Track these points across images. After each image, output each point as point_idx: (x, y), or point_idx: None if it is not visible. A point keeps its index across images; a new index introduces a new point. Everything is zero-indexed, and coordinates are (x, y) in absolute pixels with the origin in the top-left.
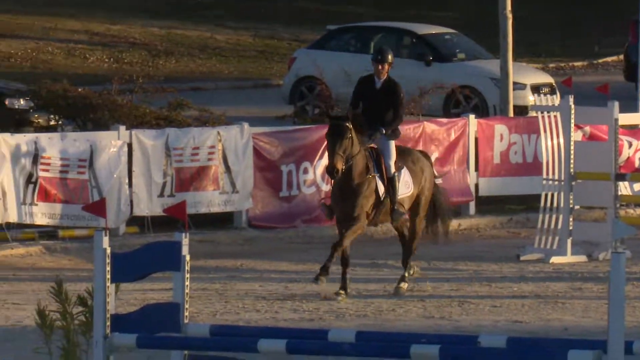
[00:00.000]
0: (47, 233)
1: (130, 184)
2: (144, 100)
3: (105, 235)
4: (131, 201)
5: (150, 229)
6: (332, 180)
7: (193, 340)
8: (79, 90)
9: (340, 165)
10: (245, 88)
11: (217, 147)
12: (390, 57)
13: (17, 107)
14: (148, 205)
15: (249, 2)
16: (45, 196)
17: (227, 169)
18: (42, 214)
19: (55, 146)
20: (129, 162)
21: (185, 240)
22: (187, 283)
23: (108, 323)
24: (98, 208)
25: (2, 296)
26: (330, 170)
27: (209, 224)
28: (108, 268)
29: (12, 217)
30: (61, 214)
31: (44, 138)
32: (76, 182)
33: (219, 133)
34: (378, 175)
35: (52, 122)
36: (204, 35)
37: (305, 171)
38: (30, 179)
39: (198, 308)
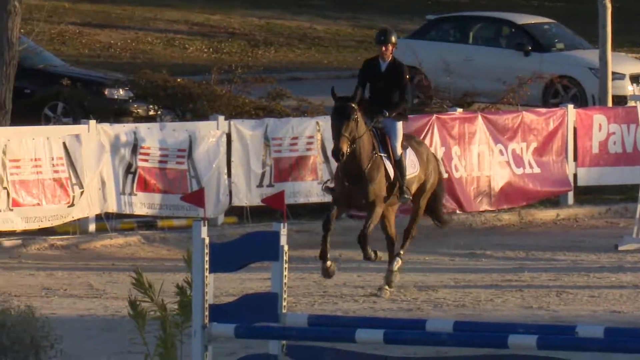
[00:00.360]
0: (146, 223)
1: (229, 174)
2: (243, 90)
3: (204, 225)
4: (230, 191)
5: (249, 219)
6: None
7: (291, 330)
8: (178, 80)
9: (345, 148)
10: (344, 78)
11: (316, 137)
12: (393, 38)
13: (116, 97)
14: (247, 196)
15: None
16: (145, 186)
17: (326, 159)
18: (141, 204)
19: (154, 136)
20: (227, 152)
21: (283, 231)
22: (285, 273)
23: (206, 313)
24: (197, 198)
25: (101, 286)
26: (336, 152)
27: (307, 214)
28: (207, 258)
29: (112, 208)
30: (160, 204)
31: (143, 128)
32: (175, 172)
33: (317, 123)
34: (385, 155)
35: (152, 112)
36: (304, 26)
37: None
38: (129, 169)
39: (296, 298)
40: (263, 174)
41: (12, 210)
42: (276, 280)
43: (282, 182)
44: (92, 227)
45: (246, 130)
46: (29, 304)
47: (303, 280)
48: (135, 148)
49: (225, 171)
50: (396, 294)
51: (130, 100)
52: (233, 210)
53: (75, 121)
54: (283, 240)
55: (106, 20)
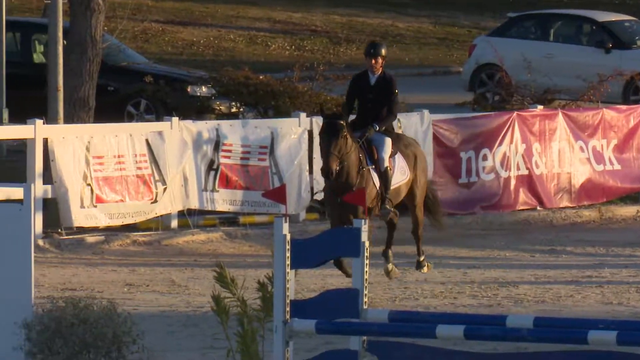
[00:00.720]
0: (228, 219)
1: (310, 171)
2: (325, 87)
3: (285, 221)
4: (311, 188)
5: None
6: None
7: (372, 326)
8: (260, 77)
9: (334, 166)
10: (425, 75)
11: None
12: (383, 51)
13: (199, 94)
14: None
15: None
16: (226, 183)
17: None
18: (223, 201)
19: (236, 133)
20: (309, 149)
21: (364, 227)
22: (366, 269)
23: (288, 309)
24: (278, 195)
25: (183, 282)
26: (326, 171)
27: None
28: (288, 254)
29: (194, 204)
30: (242, 201)
31: (225, 125)
32: (257, 169)
33: (399, 120)
34: (372, 167)
35: (234, 109)
36: (385, 23)
37: (485, 158)
38: (211, 166)
39: (377, 294)
40: None
41: (95, 206)
42: (357, 276)
43: None
44: (174, 223)
45: None
46: (112, 300)
47: (384, 276)
48: (217, 145)
49: (307, 168)
50: (477, 289)
51: (213, 98)
52: (314, 207)
53: (158, 118)
54: (364, 237)
55: (189, 18)
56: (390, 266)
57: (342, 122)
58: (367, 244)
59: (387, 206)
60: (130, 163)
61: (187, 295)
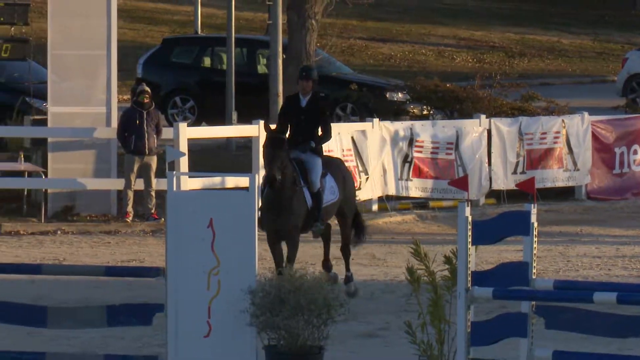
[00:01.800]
0: (420, 204)
1: (489, 163)
2: (501, 93)
3: (468, 205)
4: (490, 177)
5: (505, 201)
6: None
7: (539, 293)
8: (447, 85)
9: (278, 175)
10: (585, 83)
11: (562, 132)
12: (314, 74)
13: (395, 99)
14: (504, 181)
15: (591, 12)
16: (419, 173)
17: (570, 150)
18: (415, 188)
19: (427, 132)
20: (488, 145)
21: (533, 210)
22: (535, 245)
23: (469, 278)
24: (462, 183)
25: (382, 256)
26: (270, 179)
27: (554, 196)
28: (469, 233)
29: (391, 191)
30: (431, 188)
31: (418, 125)
32: (444, 162)
33: (563, 121)
34: (305, 187)
35: (425, 112)
36: (552, 40)
37: (635, 152)
38: (406, 159)
39: (544, 266)
40: (517, 163)
41: None
42: (527, 252)
43: (533, 170)
44: (375, 207)
45: (503, 126)
46: (322, 271)
47: (550, 251)
48: (411, 142)
49: (486, 160)
50: (627, 262)
51: (407, 102)
52: (492, 193)
53: (362, 119)
54: (533, 218)
55: (388, 36)
56: (333, 274)
57: (284, 136)
58: (535, 224)
59: (319, 224)
60: (338, 157)
61: (385, 267)
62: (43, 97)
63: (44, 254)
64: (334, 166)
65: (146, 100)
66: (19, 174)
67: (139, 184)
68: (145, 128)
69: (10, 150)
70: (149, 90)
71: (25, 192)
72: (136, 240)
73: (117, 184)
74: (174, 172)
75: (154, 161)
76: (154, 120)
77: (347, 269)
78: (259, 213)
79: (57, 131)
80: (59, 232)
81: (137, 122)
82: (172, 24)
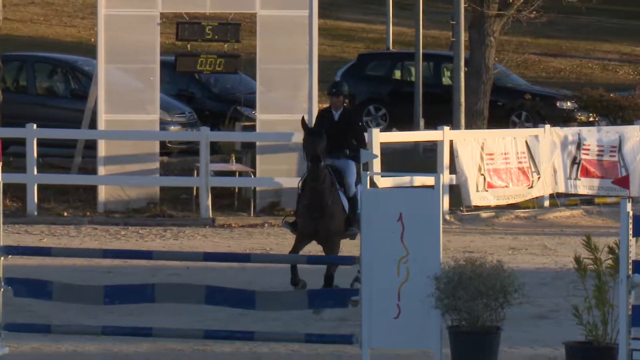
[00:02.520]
0: (586, 200)
1: None
2: None
3: (629, 202)
4: None
5: None
6: (301, 194)
7: None
8: (611, 95)
9: (321, 153)
10: None
11: None
12: (344, 89)
13: (565, 108)
14: None
15: None
16: (586, 173)
17: None
18: (583, 186)
19: (593, 136)
20: None
21: None
22: None
23: (630, 267)
24: (624, 182)
25: (553, 247)
26: (315, 158)
27: None
28: (630, 226)
29: (561, 189)
30: (597, 186)
31: (584, 130)
32: (608, 163)
33: None
34: (341, 190)
35: (591, 119)
36: None
37: None
38: (574, 161)
39: None
40: None
41: (487, 190)
42: None
43: None
44: (546, 203)
45: None
46: (499, 259)
47: None
48: (579, 145)
49: None
50: None
51: (575, 110)
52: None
53: (535, 125)
54: None
55: (558, 51)
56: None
57: (322, 132)
58: None
59: (355, 229)
60: (513, 158)
61: (555, 257)
62: (252, 105)
63: (253, 244)
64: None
65: None
66: (231, 173)
67: None
68: None
69: (223, 153)
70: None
71: (237, 190)
72: None
73: None
74: (368, 172)
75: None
76: None
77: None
78: (295, 217)
79: (264, 136)
80: (266, 225)
81: None
82: (366, 41)
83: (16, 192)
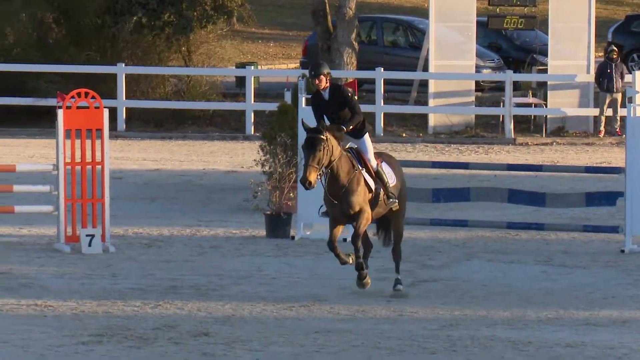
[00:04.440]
0: None
1: None
2: None
3: None
4: None
5: None
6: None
7: None
8: None
9: (312, 178)
10: None
11: None
12: (320, 70)
13: None
14: None
15: None
16: None
17: None
18: None
19: None
20: None
21: None
22: None
23: None
24: None
25: None
26: (303, 182)
27: None
28: None
29: None
30: None
31: None
32: None
33: None
34: (364, 169)
35: None
36: None
37: None
38: None
39: None
40: None
41: None
42: None
43: None
44: None
45: None
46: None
47: None
48: None
49: None
50: None
51: None
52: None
53: None
54: None
55: None
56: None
57: (322, 135)
58: None
59: (392, 199)
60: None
61: None
62: (545, 54)
63: (544, 158)
64: (386, 156)
65: (614, 56)
66: (528, 105)
67: (608, 112)
68: (614, 74)
69: (523, 89)
70: (615, 49)
71: (532, 117)
72: (605, 149)
73: (593, 111)
74: (632, 104)
75: (619, 97)
76: (619, 69)
77: (396, 270)
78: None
79: (554, 77)
80: (554, 143)
81: (608, 70)
82: (633, 6)
83: (368, 118)
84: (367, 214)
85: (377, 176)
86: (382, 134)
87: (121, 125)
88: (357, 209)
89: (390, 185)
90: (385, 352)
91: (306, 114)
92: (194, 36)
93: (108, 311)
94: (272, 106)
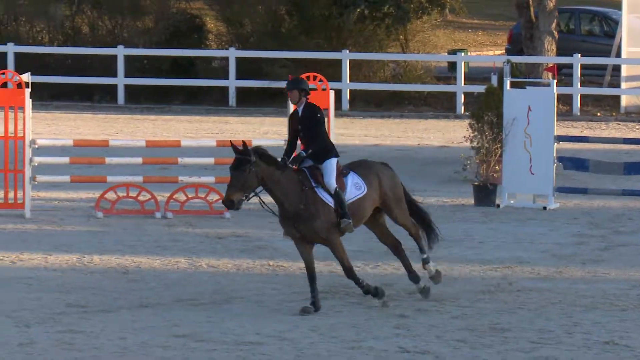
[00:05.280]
0: None
1: None
2: None
3: None
4: None
5: None
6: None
7: None
8: None
9: (235, 197)
10: None
11: None
12: (298, 84)
13: None
14: None
15: None
16: None
17: None
18: None
19: None
20: None
21: None
22: None
23: None
24: None
25: None
26: (225, 202)
27: None
28: None
29: None
30: None
31: None
32: None
33: None
34: (320, 187)
35: None
36: None
37: None
38: None
39: None
40: None
41: None
42: None
43: None
44: None
45: None
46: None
47: None
48: None
49: None
50: None
51: None
52: None
53: None
54: None
55: None
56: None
57: (249, 157)
58: None
59: (346, 218)
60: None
61: None
62: None
63: None
64: (361, 166)
65: None
66: None
67: None
68: None
69: None
70: None
71: None
72: None
73: None
74: None
75: None
76: None
77: (421, 251)
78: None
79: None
80: None
81: None
82: None
83: (566, 99)
84: (337, 241)
85: (335, 197)
86: (578, 114)
87: (345, 105)
88: (323, 235)
89: (357, 198)
90: (580, 309)
91: (510, 97)
92: (411, 26)
93: (332, 270)
94: (480, 88)
